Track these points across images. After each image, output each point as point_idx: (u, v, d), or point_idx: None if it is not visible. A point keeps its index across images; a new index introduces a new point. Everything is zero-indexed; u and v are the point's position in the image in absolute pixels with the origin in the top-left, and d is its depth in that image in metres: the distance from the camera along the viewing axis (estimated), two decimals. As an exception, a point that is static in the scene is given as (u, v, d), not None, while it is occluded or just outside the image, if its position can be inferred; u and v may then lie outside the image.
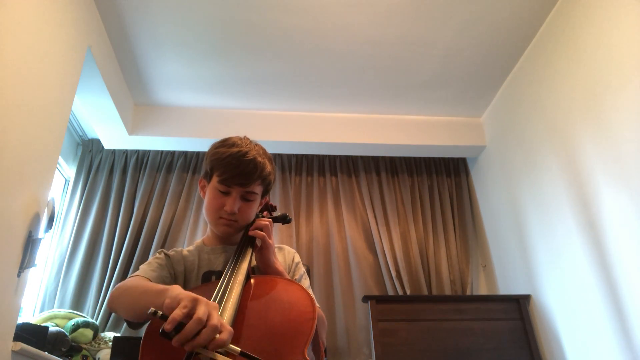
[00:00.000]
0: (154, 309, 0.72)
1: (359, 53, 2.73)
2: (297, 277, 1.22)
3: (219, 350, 0.72)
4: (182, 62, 2.77)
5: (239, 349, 0.74)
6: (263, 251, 1.11)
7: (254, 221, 1.21)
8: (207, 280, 1.14)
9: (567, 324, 2.34)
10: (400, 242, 3.13)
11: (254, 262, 1.16)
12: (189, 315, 0.71)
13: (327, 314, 2.88)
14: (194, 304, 0.73)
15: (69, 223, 3.04)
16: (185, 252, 1.23)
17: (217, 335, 0.72)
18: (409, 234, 3.18)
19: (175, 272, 1.16)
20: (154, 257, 1.18)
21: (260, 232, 1.12)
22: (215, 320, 0.72)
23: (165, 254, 1.20)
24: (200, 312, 0.71)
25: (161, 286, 0.88)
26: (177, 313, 0.70)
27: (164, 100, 3.14)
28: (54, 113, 1.94)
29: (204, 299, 0.75)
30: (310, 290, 1.18)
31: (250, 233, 1.13)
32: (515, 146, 2.88)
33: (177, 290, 0.78)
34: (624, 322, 1.94)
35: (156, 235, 3.00)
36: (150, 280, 1.04)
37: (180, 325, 0.70)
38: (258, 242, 1.13)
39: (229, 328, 0.75)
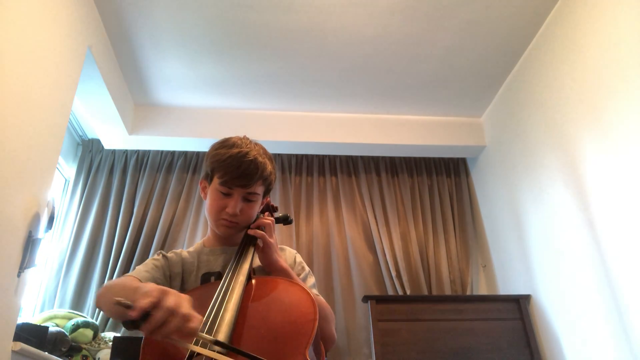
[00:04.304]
0: (118, 299, 0.72)
1: (359, 53, 2.73)
2: (301, 276, 1.21)
3: (194, 340, 0.73)
4: (182, 62, 2.77)
5: (213, 338, 0.75)
6: (265, 250, 1.11)
7: (255, 220, 1.21)
8: (206, 282, 1.14)
9: (566, 323, 2.34)
10: (400, 242, 3.13)
11: (255, 263, 1.16)
12: (157, 305, 0.72)
13: (327, 314, 2.87)
14: (163, 294, 0.73)
15: (69, 223, 3.03)
16: (184, 253, 1.23)
17: (188, 324, 0.73)
18: (409, 234, 3.18)
19: (171, 274, 1.16)
20: (151, 258, 1.18)
21: (260, 232, 1.12)
22: (184, 309, 0.73)
23: (164, 256, 1.20)
24: (169, 301, 0.72)
25: (139, 284, 0.88)
26: (144, 302, 0.71)
27: (164, 100, 3.14)
28: (54, 113, 1.94)
29: (174, 292, 0.76)
30: (315, 289, 1.18)
31: (250, 232, 1.12)
32: (515, 146, 2.88)
33: (149, 286, 0.78)
34: (624, 322, 1.94)
35: (156, 235, 3.00)
36: (140, 281, 1.05)
37: (147, 315, 0.71)
38: (260, 242, 1.12)
39: (199, 317, 0.75)
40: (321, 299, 1.12)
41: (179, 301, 0.74)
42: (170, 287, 1.13)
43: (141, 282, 1.04)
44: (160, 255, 1.20)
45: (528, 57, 2.74)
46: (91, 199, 3.11)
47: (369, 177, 3.38)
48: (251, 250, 1.12)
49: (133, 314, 0.69)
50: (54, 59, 1.92)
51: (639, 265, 1.87)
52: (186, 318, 0.72)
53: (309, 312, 0.89)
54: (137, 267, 1.13)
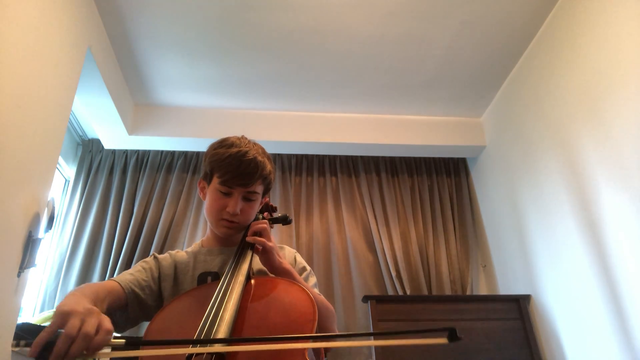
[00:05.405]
0: (14, 342, 0.73)
1: (359, 53, 2.73)
2: (302, 276, 1.21)
3: (102, 350, 0.72)
4: (182, 62, 2.77)
5: (123, 341, 0.74)
6: (267, 254, 1.09)
7: (254, 221, 1.21)
8: (203, 282, 1.14)
9: (567, 323, 2.34)
10: (400, 242, 3.13)
11: (255, 265, 1.16)
12: (55, 333, 0.71)
13: (327, 314, 2.88)
14: (64, 319, 0.72)
15: (69, 223, 3.03)
16: (180, 254, 1.23)
17: (94, 341, 0.71)
18: (409, 234, 3.18)
19: (161, 275, 1.16)
20: (142, 260, 1.19)
21: (259, 238, 1.10)
22: (87, 327, 0.71)
23: (155, 257, 1.20)
24: (69, 326, 0.70)
25: (73, 299, 0.85)
26: (41, 336, 0.69)
27: (164, 100, 3.14)
28: (54, 113, 1.94)
29: (78, 310, 0.73)
30: (316, 289, 1.18)
31: (249, 239, 1.11)
32: (515, 146, 2.88)
33: (61, 306, 0.76)
34: (624, 321, 1.94)
35: (156, 235, 3.00)
36: (121, 284, 1.05)
37: (51, 344, 0.69)
38: (258, 246, 1.11)
39: (106, 327, 0.73)
40: (322, 298, 1.12)
41: (82, 319, 0.72)
42: (160, 288, 1.14)
43: (120, 285, 1.04)
44: (152, 256, 1.20)
45: (528, 57, 2.74)
46: (91, 199, 3.11)
47: (369, 177, 3.38)
48: (250, 250, 1.12)
49: (30, 354, 0.68)
50: (54, 59, 1.92)
51: (639, 264, 1.87)
52: (88, 336, 0.70)
53: (308, 312, 0.89)
54: (124, 271, 1.13)
